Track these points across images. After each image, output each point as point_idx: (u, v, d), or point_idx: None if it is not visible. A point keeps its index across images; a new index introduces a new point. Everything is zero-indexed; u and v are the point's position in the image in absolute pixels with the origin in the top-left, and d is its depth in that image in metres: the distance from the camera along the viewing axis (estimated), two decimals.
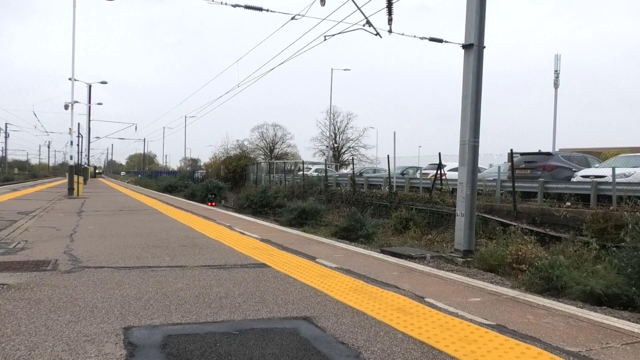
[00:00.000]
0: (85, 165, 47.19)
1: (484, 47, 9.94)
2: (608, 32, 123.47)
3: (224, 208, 22.82)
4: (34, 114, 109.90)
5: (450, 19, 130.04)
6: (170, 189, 36.86)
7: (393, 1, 11.12)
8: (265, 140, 68.63)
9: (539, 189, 14.25)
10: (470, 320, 3.79)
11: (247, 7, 13.24)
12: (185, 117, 60.88)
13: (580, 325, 3.79)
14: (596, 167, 14.88)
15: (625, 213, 9.53)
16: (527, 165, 16.39)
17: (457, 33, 11.16)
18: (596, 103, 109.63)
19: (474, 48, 9.78)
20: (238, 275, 5.35)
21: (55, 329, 3.41)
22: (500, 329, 3.61)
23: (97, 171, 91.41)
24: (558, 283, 6.74)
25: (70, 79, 23.02)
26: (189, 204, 19.47)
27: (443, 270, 6.99)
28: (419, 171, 22.91)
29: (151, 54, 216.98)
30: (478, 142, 9.99)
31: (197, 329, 3.46)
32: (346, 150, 64.36)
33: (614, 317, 4.69)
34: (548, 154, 17.44)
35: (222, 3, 13.08)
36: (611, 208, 11.20)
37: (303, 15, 13.52)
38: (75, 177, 21.88)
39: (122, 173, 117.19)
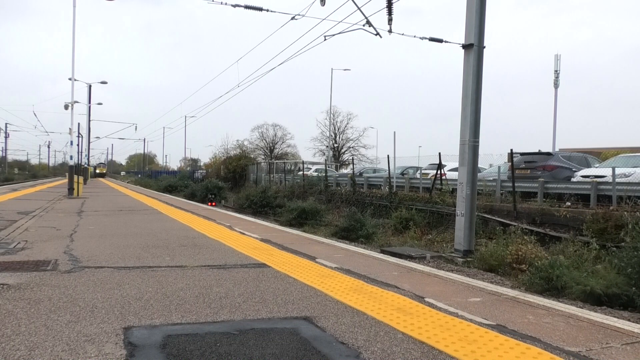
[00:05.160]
0: (85, 165, 47.15)
1: (484, 47, 9.95)
2: (605, 32, 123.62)
3: (224, 208, 22.82)
4: (34, 114, 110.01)
5: (441, 22, 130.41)
6: (170, 189, 36.83)
7: (393, 1, 11.13)
8: (265, 140, 68.70)
9: (539, 189, 14.25)
10: (470, 320, 3.79)
11: (247, 7, 13.24)
12: (185, 117, 60.91)
13: (580, 325, 3.79)
14: (596, 167, 14.88)
15: (625, 213, 9.54)
16: (527, 165, 16.39)
17: (449, 35, 11.39)
18: (595, 103, 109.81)
19: (474, 48, 9.78)
20: (238, 275, 5.34)
21: (55, 329, 3.41)
22: (500, 329, 3.61)
23: (98, 171, 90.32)
24: (558, 283, 6.74)
25: (70, 79, 23.03)
26: (189, 204, 19.46)
27: (443, 270, 6.99)
28: (419, 171, 22.92)
29: (150, 55, 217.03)
30: (478, 142, 9.99)
31: (197, 329, 3.46)
32: (346, 150, 64.40)
33: (614, 317, 4.69)
34: (548, 154, 17.44)
35: (222, 3, 13.09)
36: (611, 208, 11.20)
37: (303, 15, 13.53)
38: (75, 177, 21.87)
39: (122, 173, 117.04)
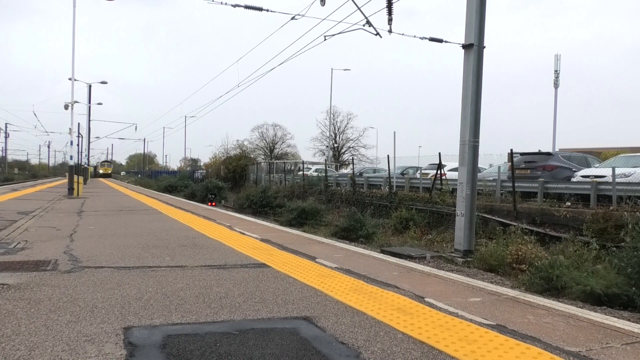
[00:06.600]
0: (85, 165, 47.12)
1: (484, 47, 9.95)
2: (604, 32, 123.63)
3: (224, 208, 22.82)
4: (34, 114, 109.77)
5: (438, 23, 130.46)
6: (170, 189, 36.82)
7: (393, 1, 11.13)
8: (265, 140, 68.73)
9: (539, 189, 14.25)
10: (470, 320, 3.79)
11: (247, 7, 13.24)
12: (185, 117, 60.88)
13: (580, 325, 3.79)
14: (596, 167, 14.88)
15: (625, 213, 9.54)
16: (527, 165, 16.40)
17: (446, 36, 11.60)
18: (595, 103, 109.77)
19: (474, 48, 9.78)
20: (238, 275, 5.35)
21: (55, 329, 3.41)
22: (500, 329, 3.61)
23: (101, 170, 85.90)
24: (558, 283, 6.74)
25: (70, 79, 23.02)
26: (189, 204, 19.46)
27: (443, 270, 6.99)
28: (419, 171, 22.92)
29: (150, 55, 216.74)
30: (478, 142, 10.00)
31: (197, 329, 3.46)
32: (346, 150, 64.41)
33: (614, 317, 4.69)
34: (548, 154, 17.45)
35: (222, 3, 13.09)
36: (611, 208, 11.20)
37: (303, 15, 13.53)
38: (75, 177, 21.88)
39: (122, 173, 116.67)
